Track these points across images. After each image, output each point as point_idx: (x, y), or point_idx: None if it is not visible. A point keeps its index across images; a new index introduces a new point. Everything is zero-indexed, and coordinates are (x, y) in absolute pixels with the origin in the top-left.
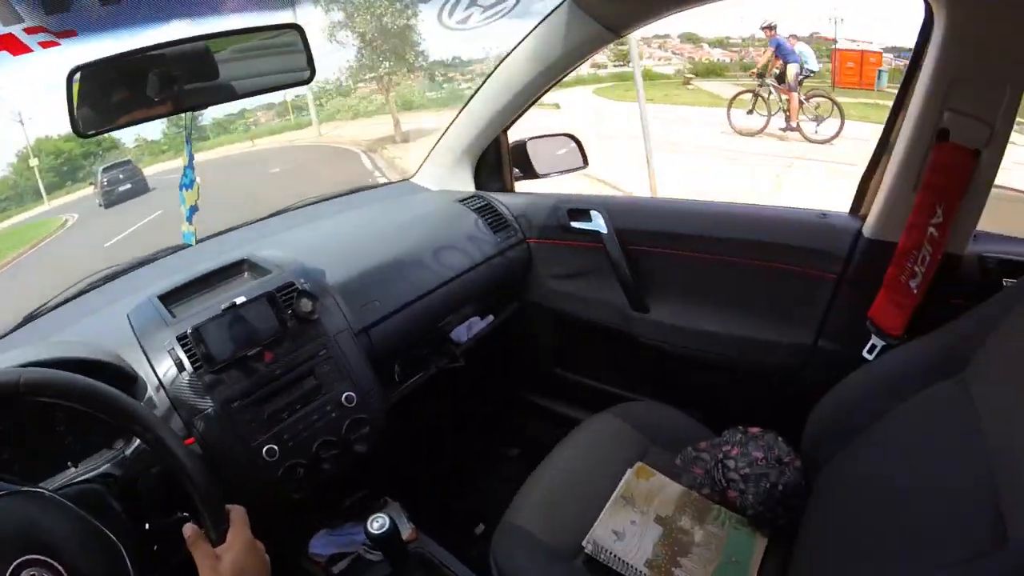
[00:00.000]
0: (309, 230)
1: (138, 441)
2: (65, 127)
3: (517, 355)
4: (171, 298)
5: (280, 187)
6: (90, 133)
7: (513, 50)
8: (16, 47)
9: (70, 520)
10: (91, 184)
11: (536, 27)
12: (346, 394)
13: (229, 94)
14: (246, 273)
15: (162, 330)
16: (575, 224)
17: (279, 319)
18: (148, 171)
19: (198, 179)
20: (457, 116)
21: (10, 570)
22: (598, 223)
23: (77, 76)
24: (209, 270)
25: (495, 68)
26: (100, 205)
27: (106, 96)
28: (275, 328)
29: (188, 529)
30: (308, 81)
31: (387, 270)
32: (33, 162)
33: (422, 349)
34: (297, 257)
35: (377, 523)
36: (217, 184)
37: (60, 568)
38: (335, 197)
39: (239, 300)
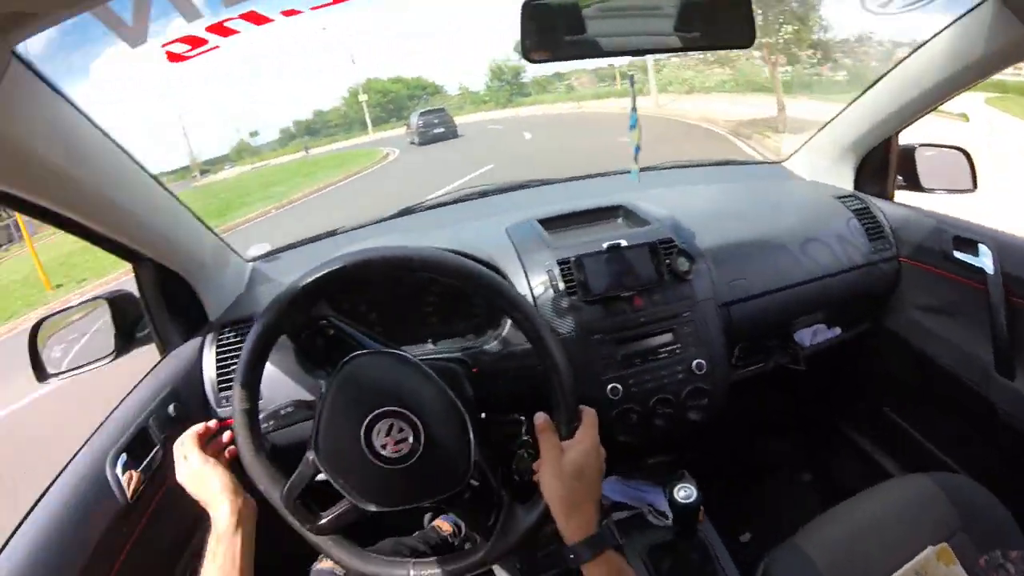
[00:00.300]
0: (680, 192)
1: (501, 337)
2: (392, 71)
3: (848, 379)
4: (549, 224)
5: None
6: (535, 59)
7: (922, 46)
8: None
9: (431, 385)
10: (405, 124)
11: (952, 23)
12: (696, 361)
13: (672, 45)
14: (620, 219)
15: (542, 250)
16: (958, 254)
17: (657, 270)
18: (466, 119)
19: (640, 122)
20: (848, 106)
21: (371, 416)
22: (985, 260)
23: (530, 5)
24: (587, 208)
25: (899, 63)
26: (413, 143)
27: (552, 30)
28: (651, 277)
29: (540, 418)
30: (747, 45)
31: (757, 251)
32: (362, 97)
33: (768, 340)
34: (674, 215)
35: (683, 492)
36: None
37: (417, 423)
38: (704, 165)
39: (623, 243)
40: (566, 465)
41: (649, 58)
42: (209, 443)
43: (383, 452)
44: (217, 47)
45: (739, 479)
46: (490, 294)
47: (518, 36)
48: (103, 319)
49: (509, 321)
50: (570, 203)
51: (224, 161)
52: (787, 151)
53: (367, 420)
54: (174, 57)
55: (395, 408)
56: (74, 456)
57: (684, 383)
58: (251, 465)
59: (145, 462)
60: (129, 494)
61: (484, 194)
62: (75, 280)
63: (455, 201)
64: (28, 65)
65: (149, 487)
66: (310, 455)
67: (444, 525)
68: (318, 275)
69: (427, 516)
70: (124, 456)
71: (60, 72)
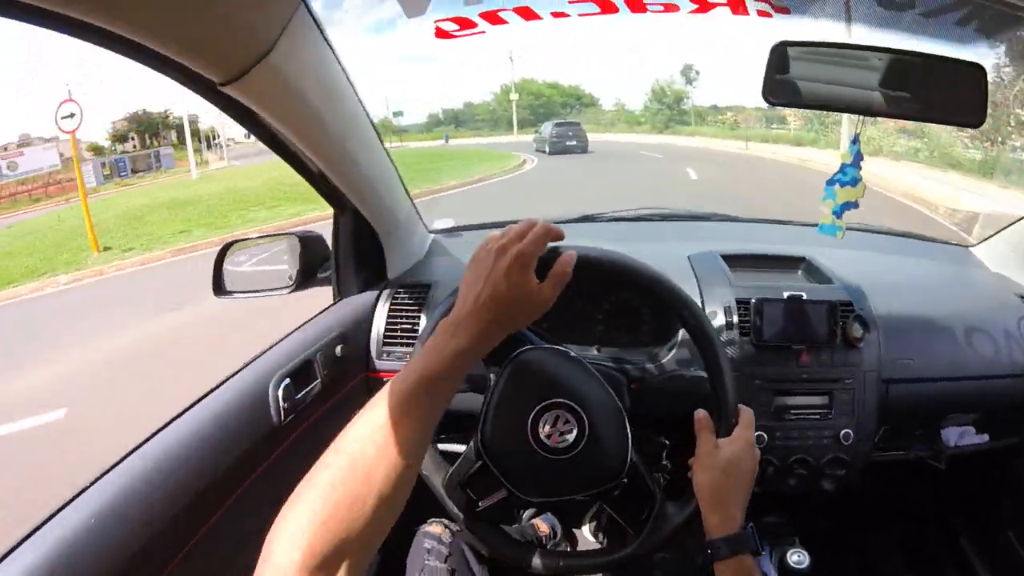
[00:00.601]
0: (862, 256)
1: (665, 358)
2: (550, 74)
3: (982, 491)
4: (730, 261)
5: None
6: (773, 101)
7: None
8: (740, 7)
9: (596, 383)
10: (536, 131)
11: None
12: (845, 430)
13: (903, 111)
14: (800, 271)
15: (723, 286)
16: None
17: (830, 330)
18: (618, 137)
19: (863, 178)
20: None
21: (539, 406)
22: None
23: (780, 49)
24: (770, 252)
25: None
26: (541, 151)
27: (798, 75)
28: (823, 337)
29: (700, 413)
30: (976, 125)
31: (929, 334)
32: (513, 96)
33: (915, 428)
34: (854, 278)
35: (796, 557)
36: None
37: (582, 415)
38: (888, 233)
39: (803, 295)
40: (719, 460)
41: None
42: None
43: (547, 442)
44: (483, 32)
45: (845, 559)
46: (662, 297)
47: (686, 60)
48: (286, 253)
49: (675, 343)
50: (753, 244)
51: None
52: (976, 235)
53: (535, 410)
54: (441, 33)
55: (562, 400)
56: (242, 368)
57: (827, 449)
58: None
59: (304, 391)
60: (282, 416)
61: (665, 217)
62: (121, 248)
63: (636, 218)
64: (311, 11)
65: (299, 415)
66: (474, 443)
67: (542, 526)
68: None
69: (526, 513)
70: (288, 380)
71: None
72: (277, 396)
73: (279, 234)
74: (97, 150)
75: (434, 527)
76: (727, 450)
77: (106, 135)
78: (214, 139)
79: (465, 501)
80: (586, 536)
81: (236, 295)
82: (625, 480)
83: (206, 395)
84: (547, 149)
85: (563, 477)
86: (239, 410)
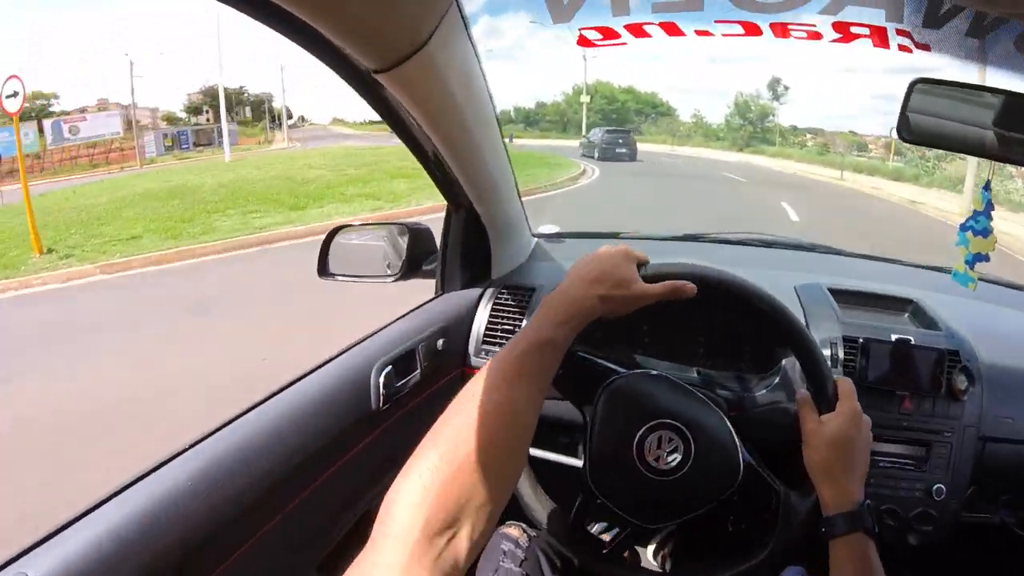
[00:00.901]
0: (971, 306)
1: (768, 387)
2: (627, 79)
3: None
4: (837, 295)
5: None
6: (906, 138)
7: None
8: (882, 40)
9: (695, 401)
10: (585, 136)
11: None
12: (938, 485)
13: None
14: (908, 314)
15: (830, 321)
16: None
17: (935, 380)
18: (693, 151)
19: (994, 230)
20: None
21: (642, 430)
22: None
23: (918, 86)
24: (879, 291)
25: None
26: (587, 155)
27: (935, 113)
28: (928, 385)
29: (800, 394)
30: None
31: None
32: (584, 99)
33: (1005, 492)
34: (961, 328)
35: None
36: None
37: (686, 432)
38: (996, 283)
39: (912, 340)
40: (825, 436)
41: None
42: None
43: (655, 464)
44: (625, 44)
45: None
46: (775, 317)
47: (773, 74)
48: (390, 243)
49: (776, 372)
50: (860, 281)
51: None
52: None
53: (638, 435)
54: (584, 42)
55: (664, 420)
56: (340, 354)
57: (917, 503)
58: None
59: (404, 380)
60: (381, 401)
61: (769, 244)
62: (60, 255)
63: (740, 242)
64: (461, 10)
65: (396, 403)
66: (583, 487)
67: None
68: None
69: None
70: (390, 368)
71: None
72: (379, 383)
73: (389, 223)
74: (172, 120)
75: (512, 530)
76: (832, 424)
77: (181, 107)
78: (288, 118)
79: (589, 545)
80: (648, 559)
81: (339, 278)
82: (741, 484)
83: (309, 373)
84: (595, 155)
85: (678, 497)
86: (340, 392)
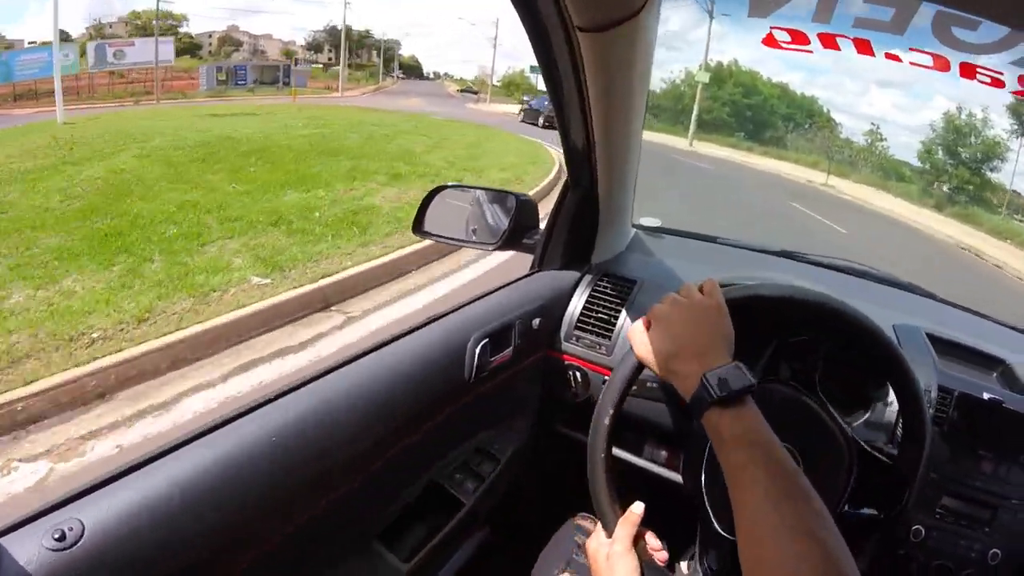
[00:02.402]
0: None
1: (864, 418)
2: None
3: None
4: (934, 342)
5: None
6: None
7: None
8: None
9: (815, 427)
10: (526, 102)
11: None
12: (994, 550)
13: None
14: (996, 374)
15: (927, 367)
16: None
17: (1020, 444)
18: (850, 189)
19: None
20: None
21: None
22: None
23: None
24: (973, 346)
25: None
26: (529, 122)
27: None
28: (1013, 449)
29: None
30: None
31: None
32: (701, 76)
33: None
34: None
35: None
36: None
37: (795, 451)
38: None
39: (1003, 401)
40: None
41: None
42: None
43: None
44: (811, 52)
45: None
46: (878, 352)
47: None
48: (494, 211)
49: (873, 409)
50: (955, 331)
51: None
52: None
53: None
54: (770, 41)
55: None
56: (441, 317)
57: (971, 564)
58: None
59: (497, 355)
60: (473, 373)
61: (865, 275)
62: None
63: (836, 268)
64: None
65: (486, 377)
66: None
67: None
68: (776, 293)
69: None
70: (487, 341)
71: None
72: (474, 354)
73: (495, 190)
74: (288, 54)
75: (587, 522)
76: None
77: (303, 41)
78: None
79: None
80: (683, 571)
81: (434, 237)
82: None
83: (405, 334)
84: (540, 122)
85: None
86: (435, 359)
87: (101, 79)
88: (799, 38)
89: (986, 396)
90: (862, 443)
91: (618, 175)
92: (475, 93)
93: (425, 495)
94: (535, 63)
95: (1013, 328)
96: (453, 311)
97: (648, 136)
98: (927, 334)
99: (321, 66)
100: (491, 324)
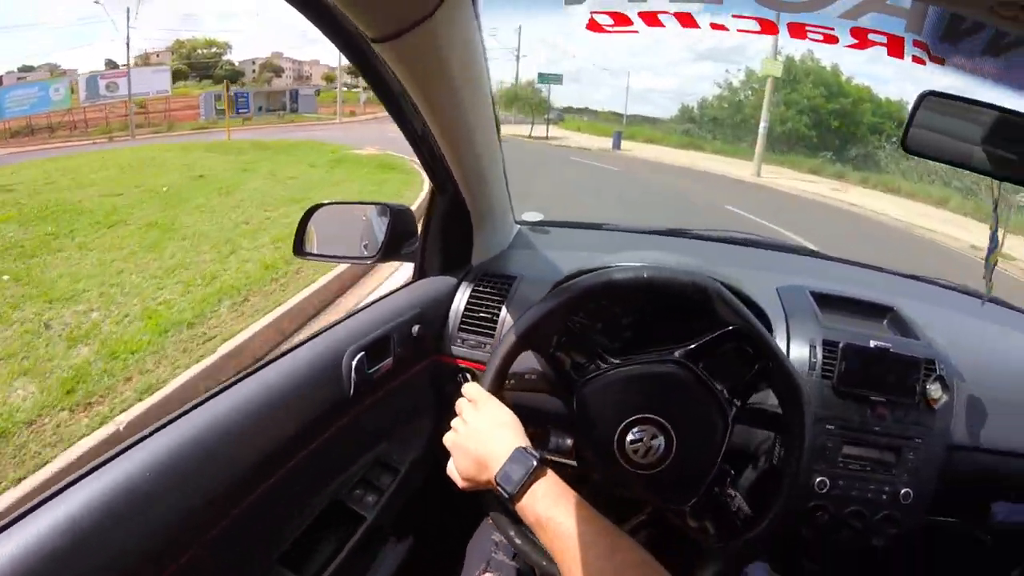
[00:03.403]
0: (947, 314)
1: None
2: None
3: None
4: (818, 299)
5: None
6: (911, 151)
7: None
8: (897, 50)
9: (677, 389)
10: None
11: None
12: (905, 490)
13: None
14: (887, 321)
15: (811, 324)
16: None
17: (911, 387)
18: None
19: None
20: None
21: (625, 423)
22: None
23: (927, 99)
24: (860, 297)
25: None
26: None
27: (942, 129)
28: (903, 392)
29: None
30: None
31: (1006, 407)
32: (771, 68)
33: (967, 497)
34: (938, 337)
35: None
36: None
37: (668, 427)
38: (973, 295)
39: (890, 347)
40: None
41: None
42: None
43: (635, 458)
44: (636, 32)
45: None
46: (733, 319)
47: None
48: (370, 224)
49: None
50: (841, 285)
51: None
52: None
53: (622, 425)
54: (594, 26)
55: (644, 415)
56: (314, 336)
57: (883, 506)
58: None
59: (376, 367)
60: (352, 388)
61: (751, 243)
62: None
63: (722, 240)
64: None
65: (368, 390)
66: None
67: None
68: (624, 276)
69: None
70: (363, 354)
71: None
72: (351, 368)
73: (370, 203)
74: (330, 79)
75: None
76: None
77: (337, 65)
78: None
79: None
80: None
81: (316, 257)
82: (716, 490)
83: (279, 357)
84: None
85: (654, 491)
86: (311, 378)
87: (96, 112)
88: (621, 19)
89: (873, 344)
90: (737, 406)
91: (478, 176)
92: None
93: (326, 513)
94: (545, 70)
95: (901, 275)
96: (328, 328)
97: (704, 163)
98: (812, 292)
99: (356, 89)
100: (367, 337)
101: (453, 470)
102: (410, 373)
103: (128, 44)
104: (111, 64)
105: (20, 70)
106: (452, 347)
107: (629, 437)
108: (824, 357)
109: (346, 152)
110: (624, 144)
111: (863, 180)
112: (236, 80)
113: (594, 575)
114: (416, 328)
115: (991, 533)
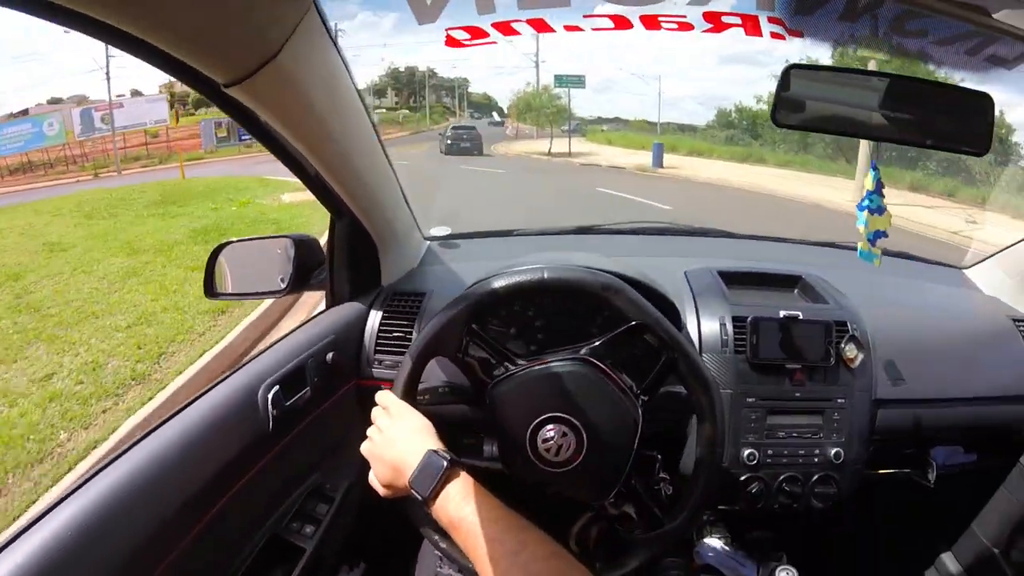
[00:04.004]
0: (854, 275)
1: None
2: None
3: (969, 510)
4: (727, 278)
5: None
6: (781, 123)
7: None
8: (754, 28)
9: (583, 386)
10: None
11: None
12: (836, 450)
13: (910, 137)
14: (797, 290)
15: (719, 302)
16: None
17: (825, 351)
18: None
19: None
20: None
21: (534, 424)
22: None
23: (793, 71)
24: (767, 271)
25: None
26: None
27: (807, 98)
28: (818, 357)
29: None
30: (980, 153)
31: (923, 356)
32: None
33: (905, 448)
34: (850, 299)
35: (784, 574)
36: None
37: (577, 424)
38: (895, 255)
39: (799, 315)
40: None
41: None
42: None
43: (548, 456)
44: (495, 43)
45: (833, 574)
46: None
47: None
48: (279, 257)
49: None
50: (749, 262)
51: None
52: (969, 259)
53: (531, 427)
54: (452, 42)
55: (559, 414)
56: (233, 372)
57: (817, 468)
58: None
59: (294, 398)
60: (271, 423)
61: (661, 231)
62: None
63: (633, 232)
64: (322, 16)
65: (289, 422)
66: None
67: None
68: (519, 280)
69: None
70: (278, 387)
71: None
72: (267, 403)
73: (275, 236)
74: None
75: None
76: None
77: (363, 85)
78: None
79: None
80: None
81: (227, 296)
82: (617, 498)
83: (196, 399)
84: (443, 149)
85: (564, 489)
86: (228, 416)
87: (95, 147)
88: (477, 33)
89: (782, 314)
90: (646, 400)
91: (370, 200)
92: (500, 124)
93: (265, 550)
94: (563, 72)
95: (807, 243)
96: (243, 365)
97: (791, 187)
98: (719, 272)
99: (384, 110)
100: (281, 369)
101: (373, 479)
102: (332, 400)
103: (108, 75)
104: (136, 93)
105: (49, 102)
106: (371, 369)
107: (541, 436)
108: (735, 333)
109: (263, 205)
110: (666, 159)
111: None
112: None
113: (504, 571)
114: (331, 355)
115: (932, 479)
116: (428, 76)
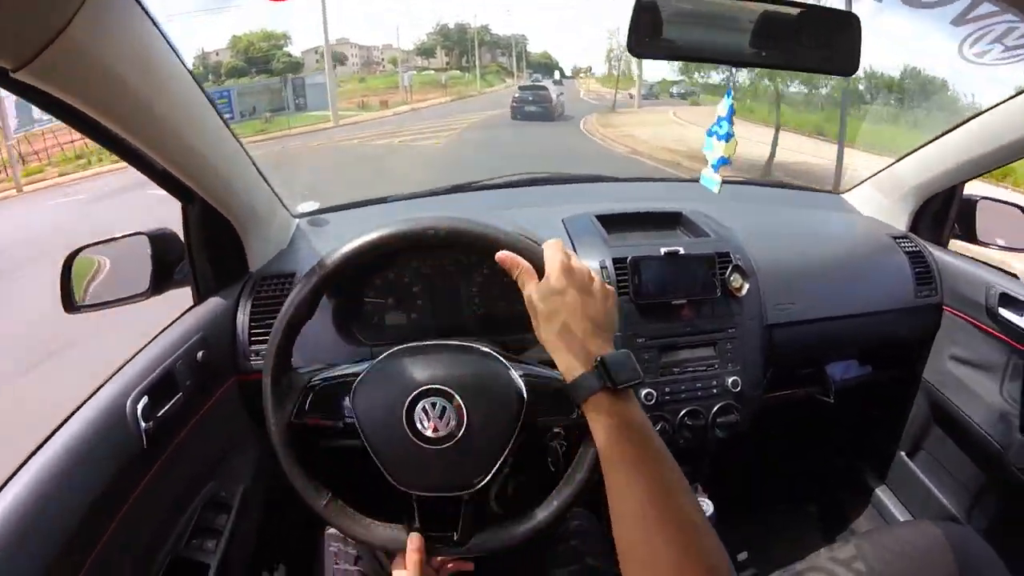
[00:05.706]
0: (737, 208)
1: None
2: None
3: (872, 420)
4: (606, 221)
5: None
6: (639, 54)
7: (1009, 100)
8: None
9: (462, 363)
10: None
11: None
12: (732, 378)
13: (777, 60)
14: (678, 227)
15: (598, 246)
16: (1003, 312)
17: (710, 283)
18: None
19: (735, 135)
20: (920, 148)
21: (412, 396)
22: None
23: (639, 4)
24: (646, 210)
25: (980, 113)
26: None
27: (661, 27)
28: (704, 289)
29: (520, 265)
30: (848, 74)
31: (808, 278)
32: None
33: (802, 368)
34: (727, 230)
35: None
36: None
37: (456, 396)
38: (760, 185)
39: (680, 251)
40: (536, 307)
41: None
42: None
43: (425, 432)
44: None
45: (747, 500)
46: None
47: None
48: (140, 256)
49: None
50: (628, 204)
51: None
52: (847, 183)
53: (410, 398)
54: None
55: (434, 387)
56: (96, 390)
57: (716, 399)
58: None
59: (166, 407)
60: (145, 438)
61: (538, 182)
62: None
63: (508, 185)
64: None
65: (166, 433)
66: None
67: None
68: (372, 237)
69: None
70: (146, 398)
71: None
72: (136, 416)
73: (126, 235)
74: (394, 62)
75: (335, 530)
76: (538, 292)
77: (412, 46)
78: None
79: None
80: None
81: (89, 308)
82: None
83: (58, 428)
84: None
85: (444, 468)
86: (95, 439)
87: (42, 143)
88: None
89: (663, 251)
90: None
91: (219, 180)
92: (559, 83)
93: (170, 574)
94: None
95: (686, 180)
96: (107, 380)
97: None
98: (598, 216)
99: (433, 71)
100: (148, 378)
101: (532, 312)
102: (211, 402)
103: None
104: None
105: None
106: (249, 362)
107: (418, 409)
108: (617, 275)
109: None
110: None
111: None
112: (297, 71)
113: (678, 506)
114: (201, 354)
115: (832, 394)
116: (480, 33)
